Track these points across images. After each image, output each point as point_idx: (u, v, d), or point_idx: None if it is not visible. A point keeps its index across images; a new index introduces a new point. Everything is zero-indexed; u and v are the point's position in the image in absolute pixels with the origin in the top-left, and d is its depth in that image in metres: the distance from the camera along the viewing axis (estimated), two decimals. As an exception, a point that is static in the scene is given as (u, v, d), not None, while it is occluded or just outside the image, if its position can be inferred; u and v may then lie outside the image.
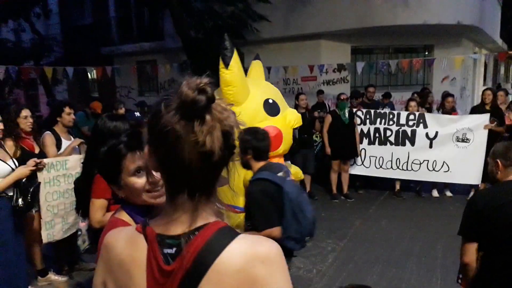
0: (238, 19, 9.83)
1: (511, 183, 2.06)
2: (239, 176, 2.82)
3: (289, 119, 3.15)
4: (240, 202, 2.89)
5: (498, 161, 2.13)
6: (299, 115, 3.39)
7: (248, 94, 2.91)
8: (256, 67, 3.83)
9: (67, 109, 4.10)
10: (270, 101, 3.05)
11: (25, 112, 3.70)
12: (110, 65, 11.72)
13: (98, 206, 2.30)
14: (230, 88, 2.83)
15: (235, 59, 2.89)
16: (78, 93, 15.78)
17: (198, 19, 10.01)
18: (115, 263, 0.87)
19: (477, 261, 2.02)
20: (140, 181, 1.34)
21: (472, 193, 6.52)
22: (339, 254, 4.68)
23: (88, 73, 13.17)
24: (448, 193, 6.78)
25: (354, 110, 6.81)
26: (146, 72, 12.41)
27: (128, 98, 13.92)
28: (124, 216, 1.36)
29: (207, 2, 9.94)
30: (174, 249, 0.82)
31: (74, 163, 3.74)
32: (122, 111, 6.03)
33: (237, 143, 0.86)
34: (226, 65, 2.89)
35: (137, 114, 5.50)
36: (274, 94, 3.29)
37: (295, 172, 3.17)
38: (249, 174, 2.82)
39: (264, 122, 2.88)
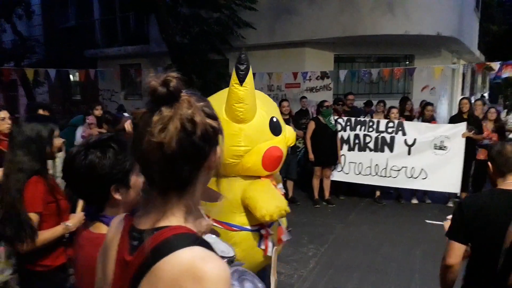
0: (224, 25, 9.90)
1: (499, 189, 2.06)
2: (233, 192, 2.75)
3: (287, 138, 3.08)
4: (236, 220, 2.79)
5: (489, 163, 2.13)
6: (295, 133, 3.32)
7: (256, 111, 2.78)
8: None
9: (40, 112, 4.06)
10: (275, 119, 2.90)
11: (3, 114, 3.62)
12: (94, 68, 11.61)
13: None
14: (242, 106, 2.68)
15: (250, 76, 2.77)
16: (59, 95, 15.55)
17: (184, 25, 10.03)
18: (107, 242, 0.97)
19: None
20: (141, 179, 1.35)
21: (451, 202, 6.71)
22: (320, 259, 4.74)
23: (71, 76, 13.00)
24: (428, 200, 6.94)
25: (336, 117, 6.93)
26: (130, 75, 12.33)
27: (111, 102, 13.80)
28: (104, 229, 1.28)
29: (194, 7, 9.98)
30: (136, 242, 0.86)
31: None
32: (98, 112, 5.97)
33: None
34: (241, 81, 2.73)
35: (126, 114, 5.48)
36: (275, 110, 3.18)
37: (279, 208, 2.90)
38: (248, 191, 2.73)
39: (269, 142, 2.80)
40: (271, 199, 2.75)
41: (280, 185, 3.18)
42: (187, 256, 0.78)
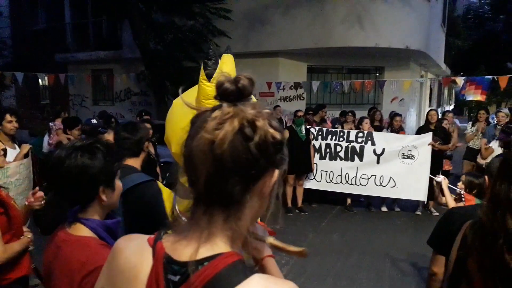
0: (199, 33, 9.91)
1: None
2: None
3: None
4: None
5: (486, 177, 2.13)
6: None
7: None
8: (228, 62, 3.47)
9: (7, 117, 3.93)
10: None
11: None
12: (64, 72, 11.34)
13: None
14: (210, 102, 2.66)
15: (219, 69, 2.75)
16: (27, 99, 15.07)
17: (158, 31, 9.99)
18: (119, 270, 0.80)
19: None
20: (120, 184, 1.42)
21: (419, 210, 6.92)
22: (292, 268, 4.77)
23: (40, 80, 12.66)
24: (397, 208, 7.12)
25: (308, 126, 7.05)
26: (101, 81, 12.12)
27: (82, 107, 13.49)
28: (85, 232, 1.32)
29: (168, 15, 9.96)
30: (178, 277, 0.73)
31: (14, 170, 3.61)
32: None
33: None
34: (209, 77, 2.70)
35: (94, 121, 5.38)
36: None
37: None
38: None
39: None
40: None
41: None
42: (254, 287, 0.68)
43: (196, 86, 2.88)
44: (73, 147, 1.36)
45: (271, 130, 0.73)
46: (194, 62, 10.14)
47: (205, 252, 0.72)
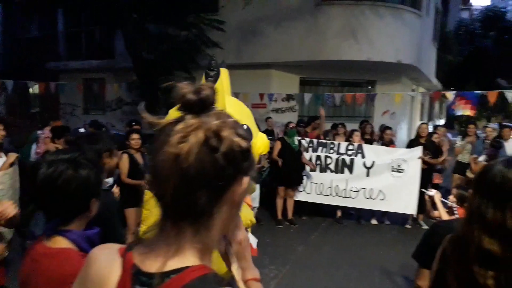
0: (192, 44, 9.94)
1: None
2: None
3: (258, 146, 3.03)
4: None
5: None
6: (268, 141, 3.29)
7: None
8: (223, 77, 3.48)
9: None
10: (245, 126, 2.91)
11: None
12: (56, 80, 11.28)
13: None
14: None
15: (220, 82, 2.75)
16: (17, 108, 14.92)
17: (151, 41, 10.00)
18: (90, 280, 0.80)
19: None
20: None
21: (408, 223, 6.90)
22: (281, 281, 4.72)
23: (30, 88, 12.58)
24: (386, 221, 7.11)
25: (299, 138, 7.05)
26: (93, 90, 12.06)
27: (72, 116, 13.40)
28: (64, 244, 1.30)
29: (162, 25, 9.99)
30: None
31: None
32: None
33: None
34: None
35: (82, 130, 5.33)
36: (248, 117, 3.14)
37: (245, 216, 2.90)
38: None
39: None
40: None
41: (255, 199, 3.15)
42: None
43: None
44: (63, 159, 1.33)
45: (237, 139, 0.71)
46: (186, 72, 10.15)
47: (173, 264, 0.71)
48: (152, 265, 0.72)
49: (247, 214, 2.80)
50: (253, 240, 3.10)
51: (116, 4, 9.02)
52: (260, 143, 3.08)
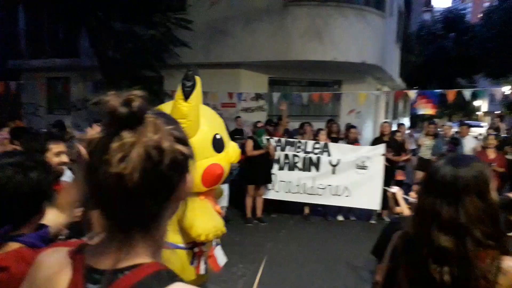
0: (159, 43, 9.83)
1: None
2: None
3: (230, 155, 3.07)
4: (169, 237, 2.74)
5: None
6: (239, 150, 3.32)
7: (199, 127, 2.74)
8: (199, 87, 3.22)
9: None
10: (218, 136, 2.86)
11: None
12: (17, 80, 10.88)
13: None
14: (185, 122, 2.61)
15: (196, 93, 2.74)
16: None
17: (117, 40, 9.82)
18: (37, 283, 0.78)
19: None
20: None
21: (373, 219, 7.14)
22: (250, 279, 4.78)
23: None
24: (352, 217, 7.33)
25: (268, 137, 7.15)
26: (57, 89, 11.70)
27: (35, 116, 12.95)
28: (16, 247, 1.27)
29: (128, 23, 9.82)
30: (98, 286, 0.72)
31: None
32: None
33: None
34: (186, 97, 2.68)
35: (45, 131, 5.20)
36: (220, 126, 3.15)
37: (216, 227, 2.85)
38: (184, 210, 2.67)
39: (210, 159, 2.78)
40: (208, 219, 2.75)
41: (224, 198, 3.16)
42: None
43: (167, 104, 2.86)
44: (7, 164, 1.29)
45: (179, 147, 0.71)
46: (154, 71, 10.04)
47: (126, 262, 0.72)
48: (104, 263, 0.72)
49: (218, 225, 2.85)
50: (222, 258, 3.14)
51: (79, 1, 8.80)
52: (232, 152, 3.13)
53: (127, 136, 0.67)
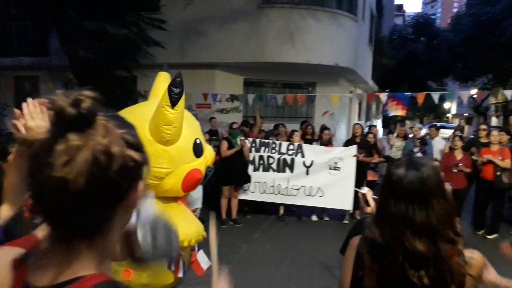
0: (132, 43, 9.69)
1: None
2: None
3: (207, 159, 3.05)
4: None
5: None
6: (214, 153, 3.28)
7: (181, 132, 2.71)
8: (164, 80, 3.26)
9: None
10: (198, 141, 2.85)
11: None
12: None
13: None
14: (170, 128, 2.57)
15: (182, 100, 2.70)
16: None
17: (89, 39, 9.61)
18: None
19: None
20: None
21: (346, 219, 7.26)
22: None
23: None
24: (326, 217, 7.43)
25: (243, 138, 7.16)
26: (25, 89, 11.33)
27: (2, 116, 12.50)
28: None
29: (100, 22, 9.63)
30: None
31: None
32: None
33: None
34: (173, 104, 2.63)
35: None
36: (198, 130, 3.13)
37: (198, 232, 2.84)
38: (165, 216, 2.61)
39: (191, 164, 2.76)
40: (189, 225, 2.73)
41: (198, 200, 3.14)
42: None
43: (141, 105, 2.80)
44: None
45: (129, 153, 0.68)
46: (126, 71, 9.89)
47: (66, 275, 0.68)
48: (43, 278, 0.68)
49: (199, 230, 2.84)
50: (205, 261, 3.13)
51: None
52: (208, 156, 3.13)
53: (73, 139, 0.63)
